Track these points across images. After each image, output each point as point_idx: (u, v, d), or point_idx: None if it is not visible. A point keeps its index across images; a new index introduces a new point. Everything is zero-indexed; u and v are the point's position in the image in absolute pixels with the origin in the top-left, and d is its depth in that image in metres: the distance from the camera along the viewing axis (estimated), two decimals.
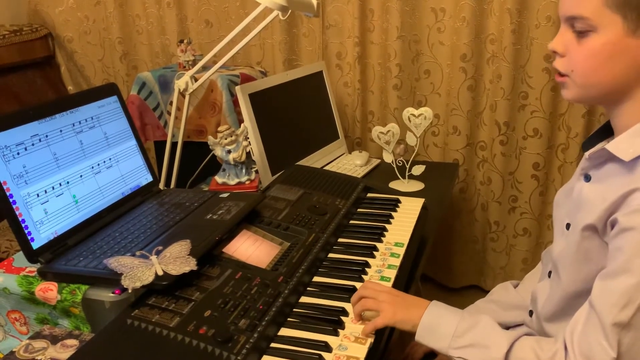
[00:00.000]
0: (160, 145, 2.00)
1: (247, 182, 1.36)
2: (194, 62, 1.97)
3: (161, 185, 1.62)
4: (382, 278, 0.99)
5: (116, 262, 0.89)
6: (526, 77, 1.89)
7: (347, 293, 0.94)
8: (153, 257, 0.90)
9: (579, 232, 0.81)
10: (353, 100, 2.06)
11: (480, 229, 2.11)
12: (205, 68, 1.63)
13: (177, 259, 0.90)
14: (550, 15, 1.78)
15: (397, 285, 0.99)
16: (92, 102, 1.12)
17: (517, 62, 1.87)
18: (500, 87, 1.90)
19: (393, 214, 1.24)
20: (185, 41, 1.96)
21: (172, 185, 1.62)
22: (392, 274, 1.00)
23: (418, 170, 1.61)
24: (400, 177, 1.62)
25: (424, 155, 2.08)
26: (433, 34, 1.94)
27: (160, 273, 0.86)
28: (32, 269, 0.95)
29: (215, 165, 1.76)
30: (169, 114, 1.96)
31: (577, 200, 0.85)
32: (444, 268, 2.20)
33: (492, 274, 2.16)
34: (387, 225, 1.19)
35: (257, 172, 1.50)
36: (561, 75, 0.82)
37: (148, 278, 0.85)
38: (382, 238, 1.13)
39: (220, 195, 1.17)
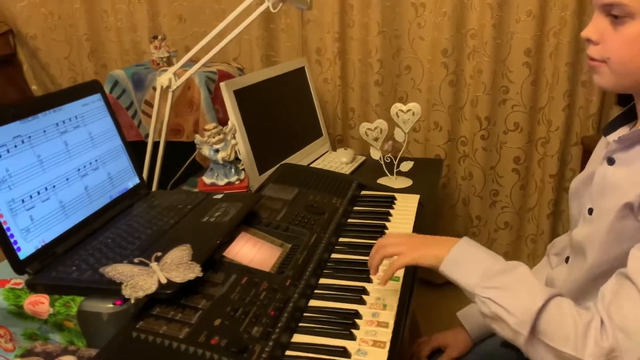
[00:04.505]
0: (134, 147, 1.92)
1: (237, 182, 1.31)
2: (169, 59, 1.90)
3: None
4: (391, 278, 0.96)
5: (114, 271, 0.83)
6: (507, 72, 1.90)
7: (357, 294, 0.90)
8: (153, 264, 0.85)
9: (613, 213, 0.79)
10: (334, 96, 2.03)
11: (462, 223, 2.12)
12: (186, 64, 1.56)
13: (180, 265, 0.85)
14: (530, 10, 1.79)
15: (404, 285, 0.96)
16: (75, 100, 1.05)
17: (497, 56, 1.88)
18: (481, 81, 1.90)
19: (391, 211, 1.22)
20: (159, 37, 1.88)
21: (154, 187, 1.55)
22: (399, 272, 0.97)
23: (406, 166, 1.59)
24: (388, 173, 1.60)
25: (405, 152, 2.06)
26: (413, 29, 1.93)
27: (163, 281, 0.81)
28: (18, 280, 0.88)
29: (193, 166, 1.70)
30: (144, 113, 1.88)
31: (600, 184, 0.85)
32: None
33: None
34: (386, 223, 1.16)
35: (243, 169, 1.44)
36: (595, 60, 0.81)
37: (151, 287, 0.80)
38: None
39: (214, 197, 1.12)
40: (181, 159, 1.67)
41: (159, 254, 0.87)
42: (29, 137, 0.92)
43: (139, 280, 0.81)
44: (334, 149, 1.85)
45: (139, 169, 1.18)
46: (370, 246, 1.05)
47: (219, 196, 1.12)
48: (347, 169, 1.68)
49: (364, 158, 1.77)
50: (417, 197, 1.29)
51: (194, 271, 0.83)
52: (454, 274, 0.81)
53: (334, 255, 1.04)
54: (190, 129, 1.89)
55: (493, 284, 0.78)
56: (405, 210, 1.22)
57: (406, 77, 1.99)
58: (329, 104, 2.05)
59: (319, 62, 2.03)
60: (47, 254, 0.90)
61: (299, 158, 1.66)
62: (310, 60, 2.01)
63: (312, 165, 1.69)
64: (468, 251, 0.83)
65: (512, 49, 1.87)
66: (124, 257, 0.90)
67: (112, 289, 0.81)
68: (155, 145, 1.55)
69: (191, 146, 1.40)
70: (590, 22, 0.82)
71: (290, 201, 1.17)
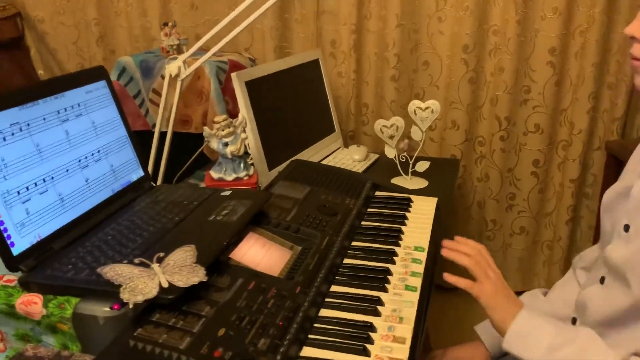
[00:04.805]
0: (141, 136, 1.86)
1: (245, 178, 1.25)
2: (179, 47, 1.84)
3: None
4: (408, 287, 0.90)
5: (112, 272, 0.77)
6: (529, 71, 1.83)
7: (372, 305, 0.84)
8: (155, 266, 0.79)
9: None
10: (347, 91, 1.96)
11: (476, 227, 2.05)
12: (196, 53, 1.50)
13: (183, 267, 0.79)
14: (557, 7, 1.72)
15: (421, 295, 0.89)
16: (78, 86, 0.99)
17: (520, 54, 1.80)
18: (502, 80, 1.83)
19: (407, 214, 1.15)
20: (169, 24, 1.82)
21: (160, 180, 1.50)
22: (417, 282, 0.91)
23: (422, 166, 1.52)
24: (402, 173, 1.54)
25: (421, 151, 2.00)
26: (433, 23, 1.85)
27: (165, 285, 0.75)
28: (11, 277, 0.83)
29: (201, 159, 1.64)
30: (152, 102, 1.83)
31: (639, 200, 0.78)
32: (437, 267, 2.13)
33: None
34: (402, 227, 1.10)
35: (252, 164, 1.38)
36: (639, 60, 0.75)
37: (152, 291, 0.74)
38: (400, 241, 1.04)
39: (222, 193, 1.06)
40: (188, 151, 1.61)
41: (162, 254, 0.81)
42: (28, 124, 0.87)
43: (138, 283, 0.75)
44: (346, 145, 1.79)
45: (143, 161, 1.12)
46: (385, 252, 1.00)
47: (227, 193, 1.06)
48: (359, 167, 1.61)
49: (377, 156, 1.71)
50: (434, 200, 1.23)
51: (198, 275, 0.77)
52: (518, 351, 0.80)
53: (346, 261, 0.98)
54: (198, 120, 1.83)
55: (560, 356, 0.76)
56: (422, 214, 1.16)
57: (424, 73, 1.92)
58: (342, 98, 1.99)
59: (334, 54, 1.96)
60: (43, 250, 0.84)
61: (310, 154, 1.60)
62: (324, 52, 1.95)
63: (323, 162, 1.63)
64: (530, 323, 0.81)
65: (536, 47, 1.79)
66: (124, 256, 0.84)
67: (110, 291, 0.75)
68: (163, 135, 1.50)
69: (199, 138, 1.35)
70: (635, 20, 0.75)
71: (301, 200, 1.11)
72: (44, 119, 0.90)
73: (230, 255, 0.90)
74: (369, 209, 1.19)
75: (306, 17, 1.93)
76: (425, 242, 1.04)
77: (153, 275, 0.77)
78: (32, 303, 0.78)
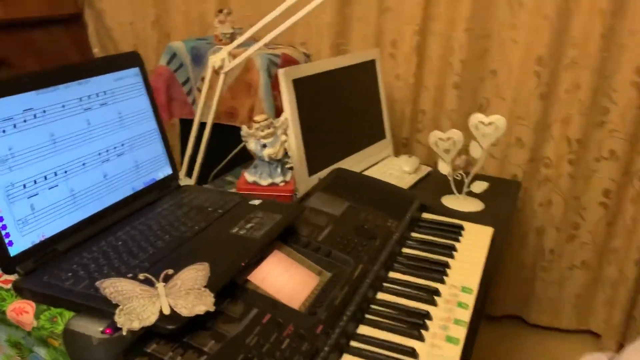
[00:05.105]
0: (186, 124, 1.80)
1: (281, 184, 1.15)
2: (232, 36, 1.75)
3: (182, 173, 1.42)
4: (449, 339, 0.77)
5: (112, 287, 0.68)
6: (610, 91, 1.63)
7: (403, 356, 0.72)
8: (160, 285, 0.70)
9: None
10: (404, 95, 1.83)
11: (531, 255, 1.87)
12: (244, 44, 1.41)
13: (190, 291, 0.69)
14: None
15: (464, 351, 0.76)
16: (107, 72, 0.91)
17: (601, 72, 1.61)
18: (578, 98, 1.64)
19: (456, 244, 1.02)
20: (224, 11, 1.74)
21: (195, 172, 1.42)
22: (460, 333, 0.78)
23: (479, 187, 1.37)
24: (456, 192, 1.39)
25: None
26: (506, 30, 1.69)
27: (166, 311, 0.66)
28: (10, 278, 0.76)
29: (245, 154, 1.55)
30: (199, 90, 1.75)
31: None
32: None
33: (537, 307, 1.92)
34: (449, 261, 0.96)
35: (291, 169, 1.28)
36: None
37: (150, 317, 0.65)
38: (445, 277, 0.91)
39: (251, 202, 0.96)
40: (234, 144, 1.53)
41: (170, 271, 0.72)
42: (44, 111, 0.79)
43: (137, 305, 0.66)
44: (396, 154, 1.65)
45: (173, 158, 1.03)
46: (427, 289, 0.87)
47: (256, 202, 0.96)
48: (408, 180, 1.48)
49: (429, 169, 1.57)
50: (490, 230, 1.08)
51: (205, 303, 0.67)
52: None
53: (380, 296, 0.86)
54: (245, 114, 1.74)
55: None
56: (474, 247, 1.02)
57: (490, 83, 1.76)
58: (397, 103, 1.85)
59: (393, 55, 1.82)
60: (45, 252, 0.76)
61: (356, 161, 1.48)
62: (383, 52, 1.82)
63: (370, 170, 1.51)
64: None
65: (620, 65, 1.60)
66: (131, 268, 0.75)
67: (106, 310, 0.66)
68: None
69: None
70: None
71: (338, 218, 1.00)
72: (63, 106, 0.82)
73: (249, 277, 0.79)
74: (412, 233, 1.06)
75: (367, 14, 1.81)
76: (474, 283, 0.90)
77: (155, 297, 0.68)
78: (23, 312, 0.71)
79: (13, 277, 0.75)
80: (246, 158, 1.56)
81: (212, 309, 0.67)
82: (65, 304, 0.70)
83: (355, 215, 1.02)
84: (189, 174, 1.41)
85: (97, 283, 0.69)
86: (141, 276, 0.71)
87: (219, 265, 0.75)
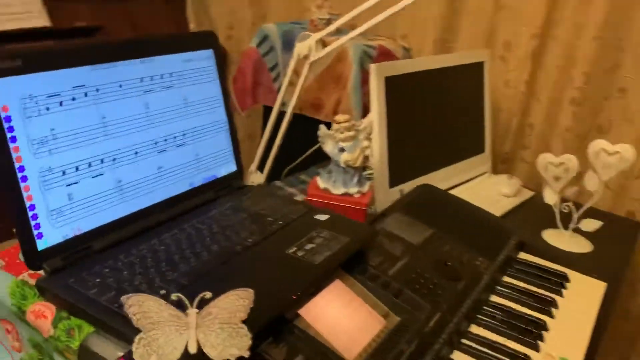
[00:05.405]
0: (269, 112, 1.70)
1: (356, 195, 1.01)
2: (329, 22, 1.63)
3: (254, 165, 1.32)
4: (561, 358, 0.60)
5: (137, 306, 0.58)
6: None
7: None
8: (192, 313, 0.58)
9: None
10: (512, 104, 1.62)
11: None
12: (338, 32, 1.27)
13: (225, 326, 0.57)
14: None
15: None
16: (176, 52, 0.81)
17: None
18: None
19: (557, 299, 0.84)
20: None
21: (267, 167, 1.31)
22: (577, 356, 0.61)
23: (591, 225, 1.16)
24: (561, 227, 1.19)
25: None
26: None
27: (192, 349, 0.54)
28: (38, 272, 0.68)
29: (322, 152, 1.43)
30: None
31: None
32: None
33: None
34: (547, 320, 0.78)
35: (369, 179, 1.13)
36: None
37: (173, 352, 0.54)
38: (540, 343, 0.74)
39: (316, 216, 0.83)
40: (315, 139, 1.41)
41: (208, 295, 0.60)
42: (97, 89, 0.70)
43: (161, 335, 0.55)
44: (494, 171, 1.46)
45: (239, 154, 0.92)
46: (515, 356, 0.70)
47: (323, 217, 0.83)
48: (505, 204, 1.29)
49: (531, 194, 1.36)
50: (601, 286, 0.89)
51: (239, 346, 0.55)
52: None
53: (457, 356, 0.70)
54: (330, 107, 1.62)
55: None
56: (579, 304, 0.83)
57: (617, 102, 1.51)
58: (502, 112, 1.65)
59: (505, 59, 1.62)
60: (78, 249, 0.68)
61: (447, 175, 1.31)
62: (493, 54, 1.62)
63: (461, 187, 1.33)
64: None
65: None
66: (167, 282, 0.65)
67: (127, 333, 0.56)
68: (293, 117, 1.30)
69: (329, 127, 1.13)
70: None
71: (416, 248, 0.84)
72: (120, 85, 0.73)
73: (300, 311, 0.67)
74: (505, 277, 0.88)
75: (480, 10, 1.61)
76: (578, 355, 0.72)
77: (184, 327, 0.57)
78: (42, 316, 0.62)
79: (41, 273, 0.67)
80: (327, 156, 1.43)
81: (246, 354, 0.55)
82: (85, 316, 0.61)
83: (438, 247, 0.86)
84: (260, 167, 1.31)
85: (123, 298, 0.59)
86: (174, 296, 0.60)
87: (265, 294, 0.62)
